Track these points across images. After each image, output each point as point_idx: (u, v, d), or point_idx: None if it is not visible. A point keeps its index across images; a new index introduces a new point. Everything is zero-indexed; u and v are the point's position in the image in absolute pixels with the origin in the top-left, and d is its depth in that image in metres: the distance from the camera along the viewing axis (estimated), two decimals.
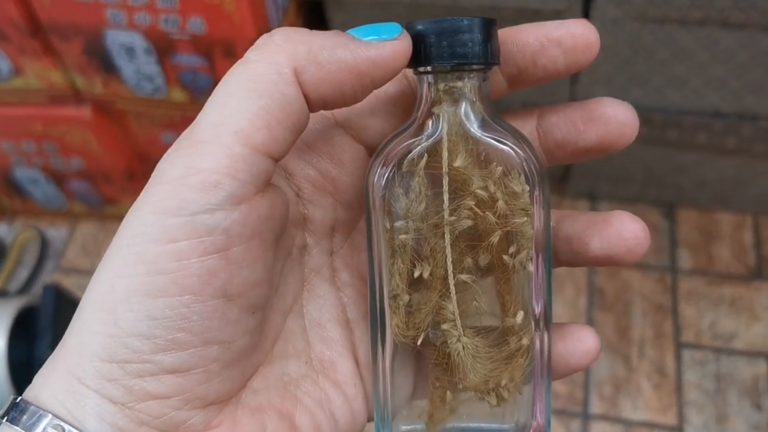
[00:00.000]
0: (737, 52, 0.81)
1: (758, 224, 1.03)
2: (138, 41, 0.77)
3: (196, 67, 0.79)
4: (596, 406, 0.90)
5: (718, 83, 0.85)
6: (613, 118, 0.26)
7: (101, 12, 0.74)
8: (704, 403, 0.89)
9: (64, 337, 0.23)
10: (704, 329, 0.95)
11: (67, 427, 0.22)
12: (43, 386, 0.23)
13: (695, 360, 0.93)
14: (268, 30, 0.77)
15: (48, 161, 0.98)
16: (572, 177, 1.04)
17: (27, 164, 0.99)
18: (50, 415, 0.22)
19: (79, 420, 0.22)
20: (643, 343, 0.94)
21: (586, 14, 0.81)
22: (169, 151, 0.23)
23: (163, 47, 0.77)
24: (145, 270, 0.22)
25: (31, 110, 0.90)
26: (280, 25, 0.81)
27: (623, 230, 0.26)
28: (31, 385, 0.23)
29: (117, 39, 0.78)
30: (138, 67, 0.81)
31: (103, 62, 0.81)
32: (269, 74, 0.22)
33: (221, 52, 0.76)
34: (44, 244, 1.10)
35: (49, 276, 1.06)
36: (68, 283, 0.96)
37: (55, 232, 1.12)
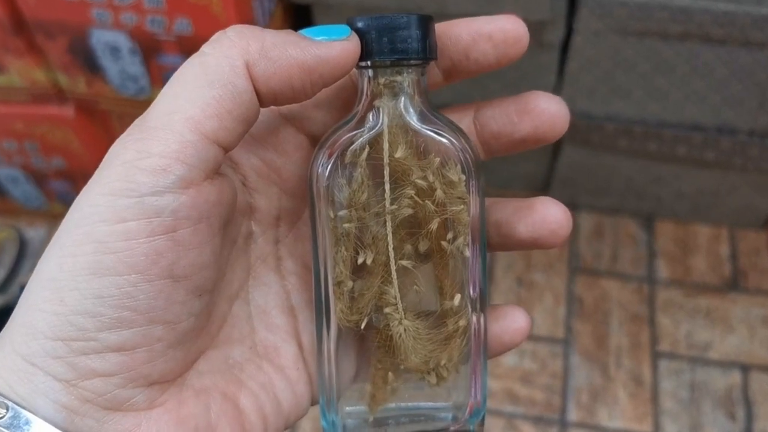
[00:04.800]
0: (717, 67, 0.83)
1: (734, 237, 1.05)
2: (123, 41, 0.77)
3: None
4: (573, 414, 0.91)
5: (697, 97, 0.87)
6: (546, 111, 0.28)
7: (87, 11, 0.74)
8: (679, 412, 0.91)
9: (11, 316, 0.23)
10: (680, 339, 0.96)
11: (10, 404, 0.22)
12: None
13: (671, 369, 0.94)
14: None
15: (29, 160, 0.97)
16: (552, 187, 1.05)
17: (7, 163, 0.98)
18: None
19: (23, 397, 0.22)
20: (620, 352, 0.95)
21: (569, 26, 0.82)
22: (122, 136, 0.24)
23: (148, 48, 0.77)
24: (93, 249, 0.22)
25: (12, 108, 0.89)
26: (266, 28, 0.81)
27: (547, 215, 0.28)
28: None
29: (102, 38, 0.77)
30: (123, 67, 0.81)
31: (87, 62, 0.81)
32: (222, 66, 0.23)
33: None
34: (23, 244, 1.09)
35: (27, 276, 1.05)
36: None
37: (34, 232, 1.11)
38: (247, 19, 0.75)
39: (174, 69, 0.77)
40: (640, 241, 1.05)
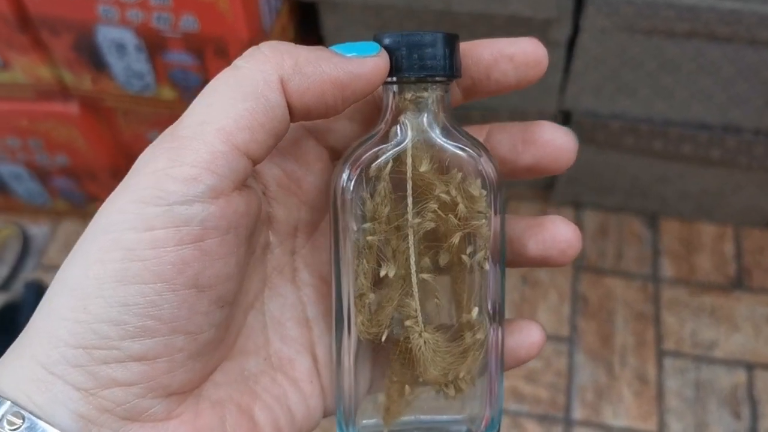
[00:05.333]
0: (723, 66, 0.83)
1: (739, 235, 1.05)
2: (129, 38, 0.77)
3: (187, 65, 0.79)
4: (578, 412, 0.91)
5: (703, 95, 0.87)
6: (550, 143, 0.28)
7: (93, 7, 0.74)
8: (684, 411, 0.90)
9: (29, 323, 0.23)
10: (685, 338, 0.96)
11: (26, 414, 0.22)
12: (5, 373, 0.23)
13: (676, 368, 0.94)
14: (261, 30, 0.77)
15: (32, 157, 0.97)
16: (557, 185, 1.05)
17: (10, 160, 0.98)
18: (9, 403, 0.22)
19: (40, 407, 0.22)
20: (625, 351, 0.95)
21: (576, 24, 0.82)
22: (152, 144, 0.24)
23: (154, 45, 0.77)
24: (121, 256, 0.22)
25: (17, 105, 0.89)
26: (272, 27, 0.81)
27: (557, 234, 0.28)
28: None
29: (108, 35, 0.77)
30: (128, 64, 0.80)
31: (92, 58, 0.81)
32: (256, 80, 0.24)
33: (213, 51, 0.76)
34: (26, 242, 1.08)
35: (30, 274, 1.05)
36: (50, 280, 0.95)
37: (38, 230, 1.10)
38: (254, 17, 0.74)
39: (180, 66, 0.76)
40: (644, 240, 1.05)
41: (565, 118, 0.95)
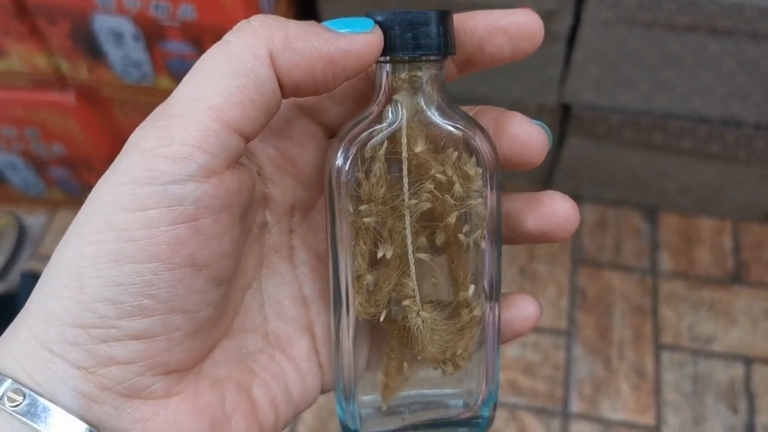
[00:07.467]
0: (724, 59, 0.82)
1: (738, 230, 1.04)
2: (127, 27, 0.76)
3: (185, 54, 0.78)
4: (576, 406, 0.91)
5: (704, 89, 0.86)
6: (516, 138, 0.27)
7: None
8: (682, 405, 0.91)
9: (27, 303, 0.23)
10: (683, 331, 0.96)
11: (27, 391, 0.22)
12: (4, 352, 0.23)
13: (674, 362, 0.94)
14: None
15: (28, 147, 0.96)
16: (556, 178, 1.05)
17: (6, 149, 0.98)
18: (10, 380, 0.22)
19: (40, 384, 0.22)
20: (623, 344, 0.95)
21: (577, 15, 0.81)
22: (143, 124, 0.23)
23: (152, 34, 0.76)
24: (114, 237, 0.22)
25: (12, 94, 0.88)
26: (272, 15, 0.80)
27: (555, 208, 0.28)
28: None
29: (105, 24, 0.76)
30: (126, 53, 0.80)
31: (89, 47, 0.80)
32: (245, 56, 0.23)
33: (211, 40, 0.75)
34: (22, 232, 1.08)
35: (26, 264, 1.05)
36: None
37: (34, 220, 1.10)
38: (252, 5, 0.74)
39: (177, 55, 0.76)
40: (643, 233, 1.05)
41: (564, 111, 0.95)
